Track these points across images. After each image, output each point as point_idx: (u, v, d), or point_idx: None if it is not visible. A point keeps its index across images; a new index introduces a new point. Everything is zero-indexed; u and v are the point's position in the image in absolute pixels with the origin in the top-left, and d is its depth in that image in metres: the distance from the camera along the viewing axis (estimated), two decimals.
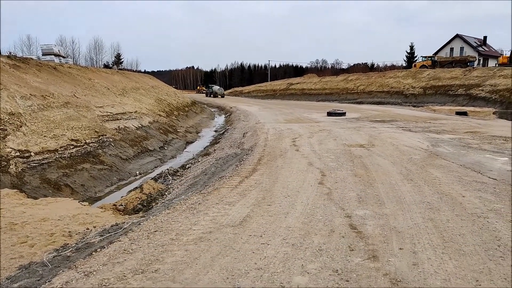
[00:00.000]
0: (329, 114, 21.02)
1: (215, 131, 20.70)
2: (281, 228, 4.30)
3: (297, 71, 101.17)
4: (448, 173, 6.93)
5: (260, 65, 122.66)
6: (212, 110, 36.93)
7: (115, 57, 66.83)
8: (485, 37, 54.41)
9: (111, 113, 14.30)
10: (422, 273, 3.22)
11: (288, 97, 51.17)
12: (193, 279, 3.16)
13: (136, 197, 7.45)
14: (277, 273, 3.25)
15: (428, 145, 10.18)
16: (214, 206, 5.12)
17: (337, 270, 3.29)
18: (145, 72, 59.13)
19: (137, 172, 10.84)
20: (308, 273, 3.25)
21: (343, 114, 20.90)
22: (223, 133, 17.40)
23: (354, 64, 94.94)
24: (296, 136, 12.37)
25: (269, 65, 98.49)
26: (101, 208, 6.78)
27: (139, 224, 4.58)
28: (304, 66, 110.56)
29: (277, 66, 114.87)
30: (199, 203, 5.25)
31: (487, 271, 3.25)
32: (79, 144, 10.10)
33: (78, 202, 6.94)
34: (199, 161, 10.86)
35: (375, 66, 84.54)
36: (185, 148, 15.44)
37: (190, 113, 27.23)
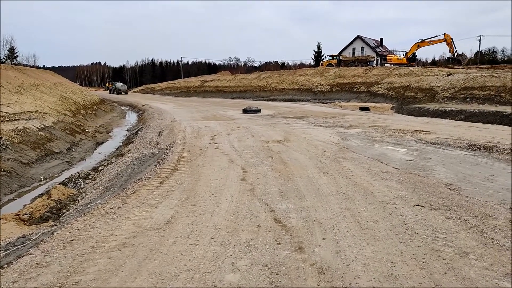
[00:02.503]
0: (245, 111, 21.34)
1: (128, 130, 19.71)
2: (208, 227, 4.25)
3: (210, 68, 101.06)
4: (359, 165, 7.49)
5: (172, 61, 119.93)
6: (123, 108, 35.11)
7: (8, 50, 60.03)
8: (381, 39, 59.89)
9: (7, 113, 12.79)
10: (344, 260, 3.43)
11: (203, 95, 50.84)
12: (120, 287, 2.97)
13: (44, 204, 6.76)
14: (208, 273, 3.20)
15: (338, 139, 10.89)
16: (136, 209, 4.87)
17: (266, 265, 3.35)
18: (44, 68, 53.97)
19: (42, 177, 9.86)
20: (239, 270, 3.27)
21: (258, 111, 21.38)
22: (137, 132, 16.65)
23: (266, 62, 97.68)
24: (215, 133, 12.34)
25: (181, 61, 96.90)
26: (1, 219, 6.02)
27: (52, 233, 4.16)
28: (217, 64, 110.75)
29: (190, 63, 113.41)
30: (119, 207, 4.96)
31: (399, 253, 3.59)
32: None
33: None
34: (112, 163, 10.24)
35: (285, 64, 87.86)
36: (95, 149, 14.44)
37: (99, 112, 25.56)
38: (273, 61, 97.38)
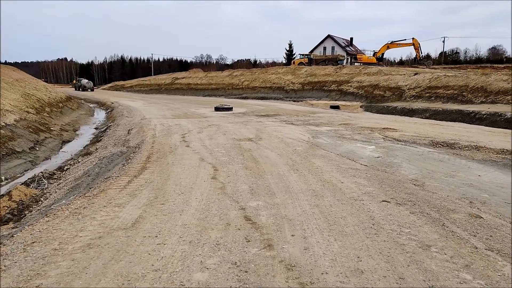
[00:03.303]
0: (217, 109, 21.24)
1: (96, 128, 19.19)
2: (177, 226, 4.20)
3: (182, 65, 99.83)
4: (328, 162, 7.60)
5: (142, 58, 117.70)
6: (91, 106, 34.17)
7: None
8: (351, 38, 61.02)
9: None
10: (313, 256, 3.47)
11: (174, 92, 50.20)
12: None
13: (4, 206, 6.48)
14: (176, 273, 3.17)
15: (309, 137, 11.01)
16: (102, 209, 4.75)
17: (235, 263, 3.35)
18: (6, 63, 51.70)
19: (3, 178, 9.45)
20: (207, 268, 3.24)
21: (230, 109, 21.33)
22: (105, 130, 16.24)
23: (238, 60, 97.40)
24: (186, 131, 12.21)
25: (152, 58, 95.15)
26: None
27: (12, 236, 3.99)
28: (189, 61, 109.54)
29: (161, 60, 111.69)
30: (84, 207, 4.82)
31: (366, 247, 3.67)
32: None
33: None
34: (79, 162, 9.94)
35: (257, 62, 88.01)
36: (61, 148, 13.97)
37: (66, 109, 24.75)
38: (245, 59, 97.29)
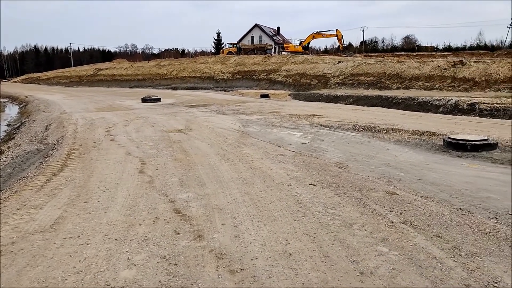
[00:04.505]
0: (144, 100, 20.48)
1: (8, 125, 17.50)
2: (101, 224, 3.99)
3: (105, 55, 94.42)
4: (258, 150, 7.71)
5: (60, 48, 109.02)
6: (2, 100, 31.07)
7: None
8: (278, 28, 62.16)
9: None
10: (243, 243, 3.51)
11: (97, 84, 47.39)
12: None
13: None
14: (101, 272, 3.01)
15: (239, 126, 11.07)
16: (15, 212, 4.36)
17: (164, 256, 3.27)
18: None
19: None
20: (135, 265, 3.13)
21: (159, 100, 20.69)
22: (19, 127, 14.88)
23: (165, 50, 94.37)
24: (111, 125, 11.62)
25: (71, 48, 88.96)
26: None
27: None
28: (112, 51, 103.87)
29: (82, 50, 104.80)
30: None
31: (293, 230, 3.79)
32: None
33: None
34: None
35: (186, 52, 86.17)
36: None
37: None
38: (173, 49, 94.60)
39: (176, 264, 3.14)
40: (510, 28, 64.17)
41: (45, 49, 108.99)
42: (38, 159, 7.53)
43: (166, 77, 41.10)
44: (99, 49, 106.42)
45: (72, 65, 73.22)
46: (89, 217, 4.21)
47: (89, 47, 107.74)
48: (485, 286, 2.82)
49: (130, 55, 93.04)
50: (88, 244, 3.52)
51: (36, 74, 70.12)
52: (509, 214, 4.23)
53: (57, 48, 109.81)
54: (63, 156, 7.35)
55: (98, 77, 50.41)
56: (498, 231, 3.76)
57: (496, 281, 2.89)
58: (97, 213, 4.34)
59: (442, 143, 8.02)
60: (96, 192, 5.09)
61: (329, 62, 28.72)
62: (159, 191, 5.11)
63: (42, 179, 5.74)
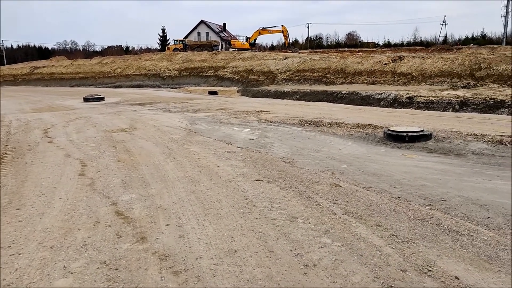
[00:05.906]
0: (86, 99, 19.53)
1: None
2: (35, 232, 3.75)
3: (42, 53, 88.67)
4: (205, 147, 7.63)
5: None
6: None
7: None
8: (224, 24, 61.81)
9: None
10: (187, 243, 3.45)
11: (34, 83, 44.50)
12: None
13: None
14: (33, 283, 2.83)
15: (187, 124, 10.90)
16: None
17: (105, 261, 3.14)
18: None
19: None
20: (72, 273, 2.97)
21: (102, 99, 19.83)
22: None
23: (108, 47, 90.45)
24: (49, 126, 10.96)
25: (3, 45, 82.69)
26: None
27: None
28: (50, 48, 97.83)
29: (15, 47, 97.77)
30: None
31: (239, 227, 3.79)
32: None
33: None
34: None
35: (130, 49, 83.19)
36: None
37: None
38: (117, 46, 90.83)
39: (117, 269, 3.02)
40: (443, 25, 68.67)
41: None
42: None
43: (109, 75, 39.50)
44: (35, 46, 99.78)
45: (5, 63, 68.09)
46: (22, 225, 3.94)
47: (24, 44, 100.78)
48: (420, 270, 2.99)
49: (70, 52, 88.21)
50: (20, 254, 3.29)
51: None
52: (442, 200, 4.53)
53: None
54: None
55: (34, 75, 47.30)
56: (432, 217, 4.00)
57: (430, 264, 3.07)
58: (31, 220, 4.07)
59: (382, 135, 8.41)
60: (31, 198, 4.77)
61: (275, 59, 29.06)
62: (100, 194, 4.89)
63: None
